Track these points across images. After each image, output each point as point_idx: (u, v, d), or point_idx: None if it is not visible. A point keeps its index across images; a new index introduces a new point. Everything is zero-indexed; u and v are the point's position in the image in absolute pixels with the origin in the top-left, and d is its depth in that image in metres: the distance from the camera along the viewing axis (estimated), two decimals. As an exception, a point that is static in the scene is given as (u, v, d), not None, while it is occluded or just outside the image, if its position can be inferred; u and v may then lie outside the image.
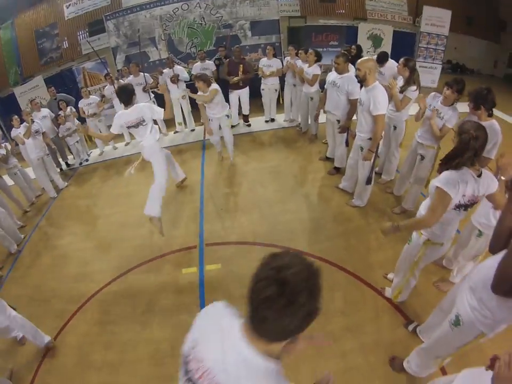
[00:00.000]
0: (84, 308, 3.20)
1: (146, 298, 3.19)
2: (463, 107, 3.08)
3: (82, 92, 5.73)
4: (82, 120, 6.04)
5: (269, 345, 0.89)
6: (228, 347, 0.94)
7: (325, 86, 4.35)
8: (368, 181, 3.65)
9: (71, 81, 7.06)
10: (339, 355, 2.44)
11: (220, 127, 4.95)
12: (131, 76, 5.72)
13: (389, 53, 6.96)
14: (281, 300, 0.78)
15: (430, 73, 7.35)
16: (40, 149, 4.95)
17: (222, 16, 6.72)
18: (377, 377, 2.29)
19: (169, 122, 6.44)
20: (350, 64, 4.14)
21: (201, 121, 6.56)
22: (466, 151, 1.85)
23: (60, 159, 6.05)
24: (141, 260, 3.63)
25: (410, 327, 2.56)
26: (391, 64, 4.66)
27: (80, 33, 7.60)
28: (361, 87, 3.50)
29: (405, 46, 7.26)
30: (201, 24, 6.72)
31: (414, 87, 3.69)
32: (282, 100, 6.34)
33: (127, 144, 6.42)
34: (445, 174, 1.92)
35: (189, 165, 5.28)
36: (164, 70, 5.78)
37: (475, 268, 1.77)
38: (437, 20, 7.02)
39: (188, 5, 6.46)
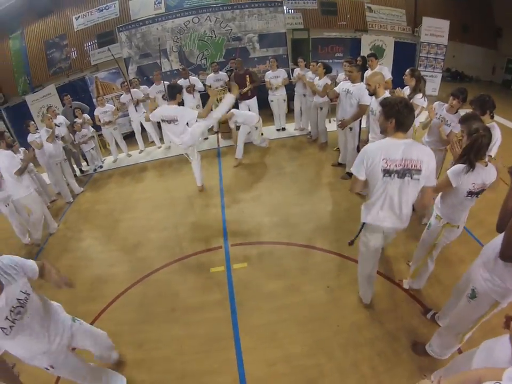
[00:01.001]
0: (110, 308, 3.27)
1: (175, 297, 3.32)
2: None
3: (98, 100, 6.02)
4: (97, 128, 6.34)
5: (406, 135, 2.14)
6: (400, 145, 2.10)
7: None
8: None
9: (82, 90, 7.37)
10: (366, 343, 2.69)
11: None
12: (153, 83, 6.13)
13: (391, 63, 7.56)
14: (410, 109, 2.08)
15: (431, 82, 7.78)
16: (59, 153, 5.16)
17: (232, 29, 7.11)
18: (402, 362, 2.53)
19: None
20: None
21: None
22: (475, 148, 2.24)
23: (74, 166, 6.30)
24: (166, 261, 3.78)
25: (429, 315, 2.83)
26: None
27: (89, 44, 7.97)
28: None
29: (406, 56, 7.73)
30: (211, 36, 7.11)
31: (420, 95, 4.03)
32: (289, 109, 6.71)
33: (141, 151, 6.71)
34: (456, 165, 2.34)
35: (207, 171, 5.57)
36: (179, 81, 6.14)
37: (485, 247, 2.07)
38: (436, 30, 7.50)
39: (198, 18, 6.86)
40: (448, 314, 2.53)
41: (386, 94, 3.68)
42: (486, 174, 2.30)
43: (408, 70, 4.24)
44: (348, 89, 4.41)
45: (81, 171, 6.43)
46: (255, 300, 3.19)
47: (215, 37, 7.12)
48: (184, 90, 6.05)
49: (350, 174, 4.99)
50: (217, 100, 6.10)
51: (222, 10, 6.90)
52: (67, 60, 8.12)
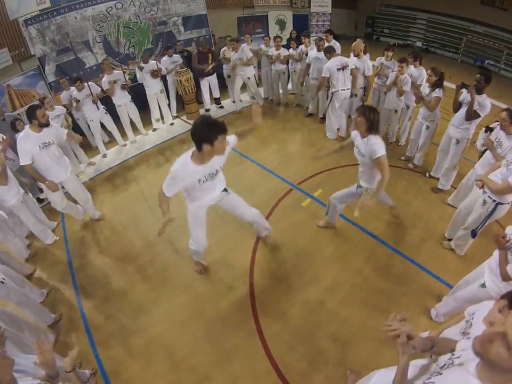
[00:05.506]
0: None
1: (299, 236, 3.91)
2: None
3: (46, 103, 5.17)
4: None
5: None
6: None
7: (307, 61, 6.02)
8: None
9: (-11, 105, 6.00)
10: (414, 195, 4.48)
11: None
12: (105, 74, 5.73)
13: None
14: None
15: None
16: (17, 187, 3.96)
17: (156, 14, 7.15)
18: (433, 196, 4.40)
19: (146, 121, 6.60)
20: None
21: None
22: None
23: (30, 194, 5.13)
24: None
25: (427, 174, 4.81)
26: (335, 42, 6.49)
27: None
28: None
29: (302, 25, 9.44)
30: (136, 22, 6.95)
31: (368, 54, 5.72)
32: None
33: (104, 156, 6.14)
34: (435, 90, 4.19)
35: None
36: (142, 64, 6.00)
37: (451, 122, 3.98)
38: (321, 2, 9.51)
39: (122, 3, 6.58)
40: (439, 168, 4.53)
41: (365, 56, 5.40)
42: None
43: (359, 39, 5.72)
44: (317, 57, 5.81)
45: (40, 200, 5.22)
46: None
47: (141, 22, 7.02)
48: (148, 74, 5.98)
49: (323, 118, 6.26)
50: (184, 81, 6.29)
51: (146, -6, 6.85)
52: None
